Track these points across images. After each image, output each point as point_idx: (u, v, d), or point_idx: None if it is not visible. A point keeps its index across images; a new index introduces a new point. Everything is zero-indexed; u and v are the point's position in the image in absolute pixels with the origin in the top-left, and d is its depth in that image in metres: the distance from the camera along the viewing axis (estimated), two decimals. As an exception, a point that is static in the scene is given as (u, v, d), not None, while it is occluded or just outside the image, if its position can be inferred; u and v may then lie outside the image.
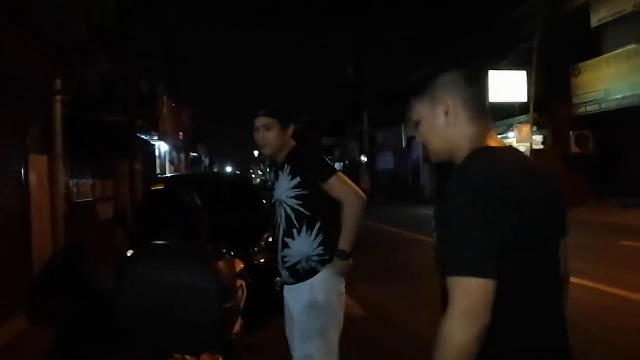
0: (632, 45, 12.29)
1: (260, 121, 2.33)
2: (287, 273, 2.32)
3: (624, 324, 4.57)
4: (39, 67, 5.60)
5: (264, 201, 5.41)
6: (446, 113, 1.23)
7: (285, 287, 2.38)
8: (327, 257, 2.26)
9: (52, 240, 5.72)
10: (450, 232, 1.13)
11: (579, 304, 5.34)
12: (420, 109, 1.28)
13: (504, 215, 1.08)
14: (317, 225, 2.25)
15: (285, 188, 2.29)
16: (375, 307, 5.31)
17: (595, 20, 14.06)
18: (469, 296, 1.05)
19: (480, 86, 1.28)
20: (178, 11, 20.93)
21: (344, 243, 2.25)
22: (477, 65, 1.33)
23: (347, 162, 42.94)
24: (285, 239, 2.30)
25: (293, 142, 2.39)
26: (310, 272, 2.27)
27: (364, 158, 33.84)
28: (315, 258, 2.25)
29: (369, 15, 30.28)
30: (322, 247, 2.25)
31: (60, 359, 3.84)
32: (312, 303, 2.26)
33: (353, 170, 39.64)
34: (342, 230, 2.28)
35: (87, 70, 8.49)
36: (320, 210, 2.25)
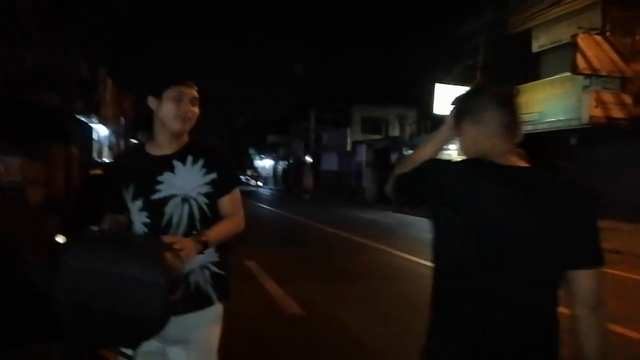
0: (567, 74, 13.14)
1: (191, 92, 1.89)
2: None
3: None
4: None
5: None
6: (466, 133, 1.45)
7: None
8: (223, 267, 1.97)
9: (-24, 222, 5.34)
10: (590, 226, 1.33)
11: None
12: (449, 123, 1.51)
13: None
14: None
15: (197, 182, 1.89)
16: (313, 306, 5.36)
17: (536, 46, 14.92)
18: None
19: (500, 111, 1.43)
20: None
21: (213, 233, 1.84)
22: (505, 92, 1.47)
23: (291, 160, 43.02)
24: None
25: None
26: (202, 297, 1.90)
27: (308, 158, 34.01)
28: (212, 267, 1.92)
29: (320, 20, 30.53)
30: (219, 254, 1.95)
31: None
32: (217, 321, 1.97)
33: (297, 169, 39.76)
34: (217, 225, 1.89)
35: (23, 48, 8.02)
36: (217, 215, 1.94)
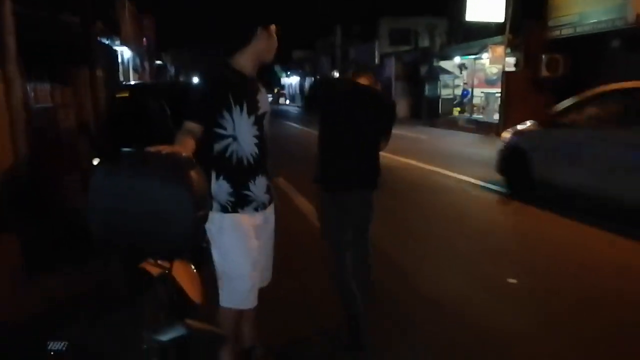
0: (613, -33, 12.03)
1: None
2: (267, 188, 2.32)
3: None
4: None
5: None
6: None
7: (261, 212, 2.31)
8: None
9: (13, 148, 5.52)
10: (390, 118, 3.05)
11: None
12: None
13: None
14: None
15: (268, 102, 2.34)
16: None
17: (579, -62, 13.59)
18: None
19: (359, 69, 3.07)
20: None
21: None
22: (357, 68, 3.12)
23: (318, 77, 42.13)
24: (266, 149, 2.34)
25: None
26: (272, 192, 2.40)
27: (336, 74, 33.20)
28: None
29: None
30: None
31: (29, 266, 3.87)
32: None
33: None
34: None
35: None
36: None
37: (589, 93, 6.11)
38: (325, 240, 2.97)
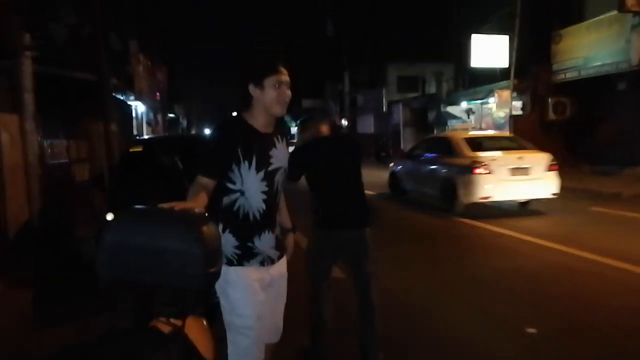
0: (614, 12, 12.29)
1: (285, 77, 2.17)
2: (275, 244, 2.30)
3: (590, 284, 4.77)
4: (5, 20, 5.33)
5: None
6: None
7: (268, 267, 2.27)
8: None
9: (28, 202, 5.60)
10: (359, 155, 3.36)
11: (549, 265, 5.54)
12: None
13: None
14: None
15: (286, 156, 2.34)
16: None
17: (578, -15, 13.99)
18: None
19: (318, 121, 3.30)
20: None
21: (287, 219, 2.54)
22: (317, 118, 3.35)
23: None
24: (280, 204, 2.36)
25: None
26: (282, 247, 2.39)
27: (344, 122, 33.63)
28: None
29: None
30: None
31: (38, 320, 3.84)
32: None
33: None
34: (286, 211, 2.51)
35: (55, 24, 8.15)
36: None
37: (423, 138, 12.46)
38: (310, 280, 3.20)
